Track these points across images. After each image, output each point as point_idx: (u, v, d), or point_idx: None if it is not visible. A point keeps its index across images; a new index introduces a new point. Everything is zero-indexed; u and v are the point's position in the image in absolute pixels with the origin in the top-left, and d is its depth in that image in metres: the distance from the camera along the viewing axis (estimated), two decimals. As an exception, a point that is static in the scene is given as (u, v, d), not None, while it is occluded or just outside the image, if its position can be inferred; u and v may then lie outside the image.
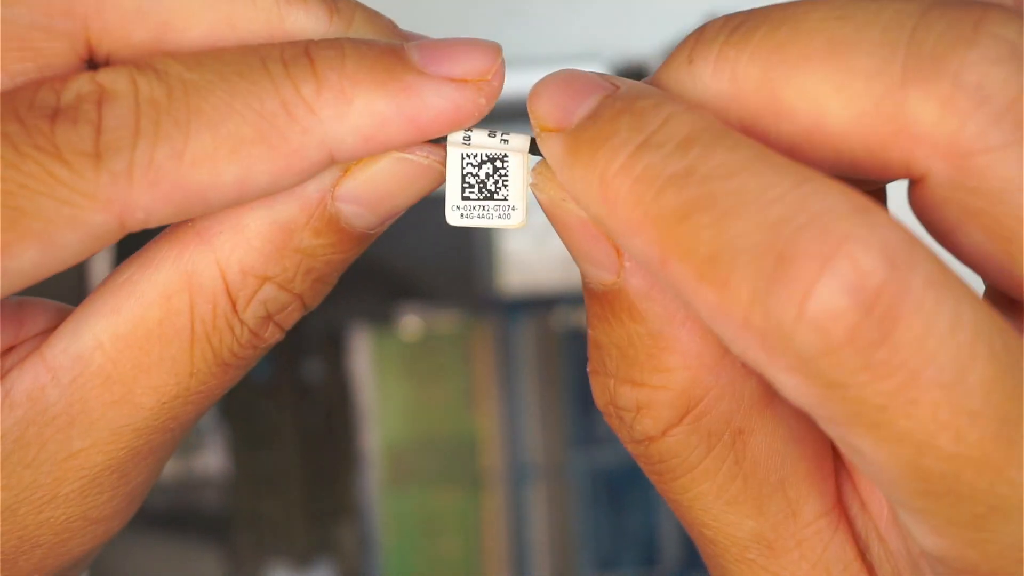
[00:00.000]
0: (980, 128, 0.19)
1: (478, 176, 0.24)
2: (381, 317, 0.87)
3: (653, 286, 0.22)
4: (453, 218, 0.24)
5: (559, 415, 0.88)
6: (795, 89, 0.20)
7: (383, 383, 0.88)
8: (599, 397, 0.24)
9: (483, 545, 0.89)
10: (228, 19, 0.23)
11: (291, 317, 0.24)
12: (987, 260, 0.20)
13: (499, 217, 0.24)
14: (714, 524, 0.24)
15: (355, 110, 0.22)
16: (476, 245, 0.85)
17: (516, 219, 0.24)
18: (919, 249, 0.18)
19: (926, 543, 0.20)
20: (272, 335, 0.24)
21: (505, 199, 0.24)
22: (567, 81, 0.22)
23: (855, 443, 0.19)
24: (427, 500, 0.89)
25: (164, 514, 0.87)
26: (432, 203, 0.25)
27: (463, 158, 0.24)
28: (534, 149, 0.23)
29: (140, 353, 0.23)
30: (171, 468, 0.83)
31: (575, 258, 0.23)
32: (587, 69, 0.23)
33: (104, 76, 0.21)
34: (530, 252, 0.82)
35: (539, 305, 0.87)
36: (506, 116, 0.27)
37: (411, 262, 0.86)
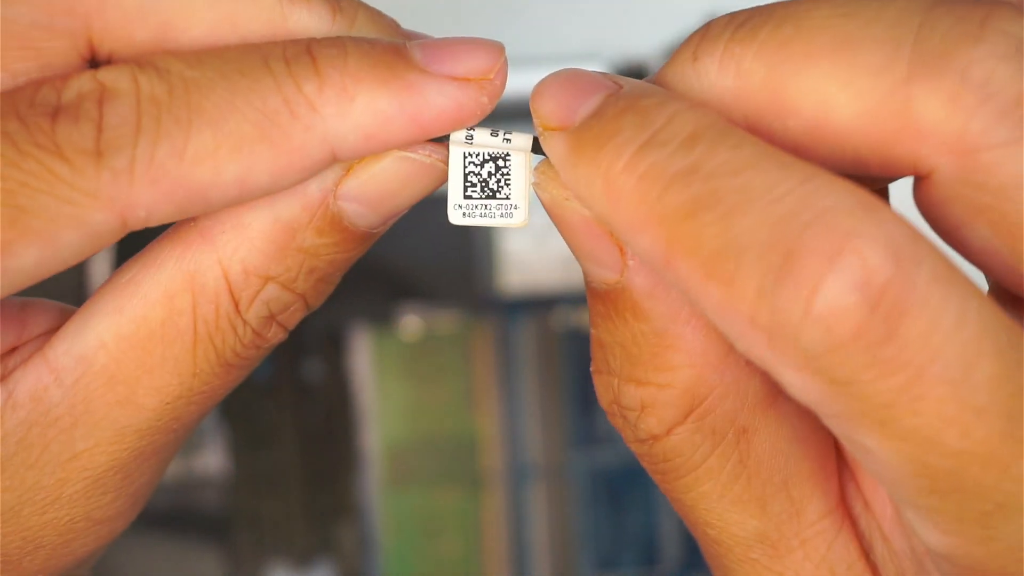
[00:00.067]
0: (986, 124, 0.19)
1: (480, 175, 0.24)
2: (381, 317, 0.87)
3: (657, 284, 0.22)
4: (455, 217, 0.24)
5: (559, 415, 0.87)
6: (800, 86, 0.20)
7: (383, 383, 0.88)
8: (603, 396, 0.24)
9: (483, 545, 0.89)
10: (230, 18, 0.23)
11: (294, 317, 0.24)
12: (992, 256, 0.20)
13: (501, 216, 0.24)
14: (718, 523, 0.24)
15: (357, 108, 0.22)
16: (476, 245, 0.85)
17: (518, 218, 0.24)
18: (924, 245, 0.18)
19: (932, 541, 0.20)
20: (275, 335, 0.24)
21: (507, 198, 0.24)
22: (570, 80, 0.22)
23: (861, 440, 0.19)
24: (427, 500, 0.89)
25: (164, 514, 0.87)
26: (432, 203, 0.25)
27: (465, 157, 0.24)
28: (536, 148, 0.23)
29: (143, 353, 0.23)
30: (171, 468, 0.83)
31: (578, 257, 0.23)
32: (588, 69, 0.23)
33: (105, 74, 0.21)
34: (530, 252, 0.82)
35: (539, 305, 0.87)
36: (507, 116, 0.26)
37: (411, 262, 0.86)
